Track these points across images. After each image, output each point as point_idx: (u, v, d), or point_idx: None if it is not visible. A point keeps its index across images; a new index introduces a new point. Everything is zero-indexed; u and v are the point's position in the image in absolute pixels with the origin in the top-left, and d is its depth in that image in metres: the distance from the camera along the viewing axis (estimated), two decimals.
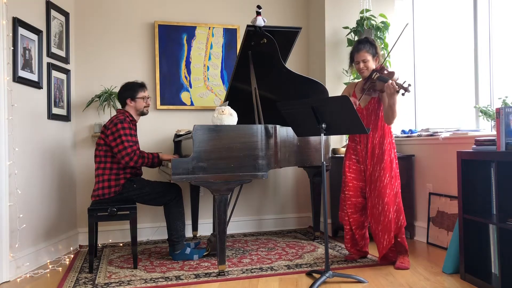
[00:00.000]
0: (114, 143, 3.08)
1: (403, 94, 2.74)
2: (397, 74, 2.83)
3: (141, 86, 3.32)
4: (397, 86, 2.74)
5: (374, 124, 2.98)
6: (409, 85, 2.71)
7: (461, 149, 3.04)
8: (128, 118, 3.21)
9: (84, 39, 3.96)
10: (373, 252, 3.22)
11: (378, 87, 2.88)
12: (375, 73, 2.90)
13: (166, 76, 4.12)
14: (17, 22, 3.00)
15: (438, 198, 3.49)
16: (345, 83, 3.97)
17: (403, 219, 2.93)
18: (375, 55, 2.98)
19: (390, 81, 2.76)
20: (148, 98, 3.35)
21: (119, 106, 3.84)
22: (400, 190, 2.97)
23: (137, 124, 3.36)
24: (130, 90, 3.28)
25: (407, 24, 2.97)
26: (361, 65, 2.97)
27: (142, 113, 3.36)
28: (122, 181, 3.13)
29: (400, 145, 3.97)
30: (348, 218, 3.04)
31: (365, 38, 3.06)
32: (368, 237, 3.15)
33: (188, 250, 3.23)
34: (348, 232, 3.08)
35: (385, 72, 2.88)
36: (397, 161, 2.98)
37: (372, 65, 2.97)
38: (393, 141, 3.01)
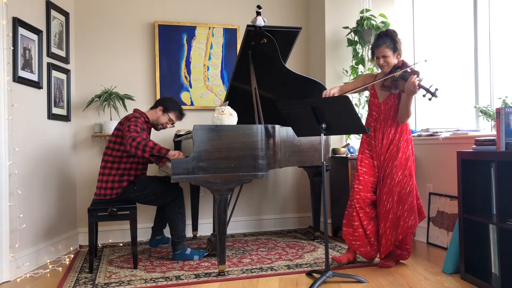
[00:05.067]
0: (122, 133, 3.10)
1: (429, 99, 2.63)
2: (421, 75, 2.70)
3: (180, 112, 3.39)
4: (423, 90, 2.64)
5: (393, 120, 2.90)
6: (436, 89, 2.59)
7: (461, 149, 3.04)
8: (143, 118, 3.22)
9: (84, 39, 3.96)
10: None
11: (401, 86, 2.78)
12: (398, 70, 2.79)
13: (166, 76, 4.12)
14: (17, 22, 3.00)
15: (438, 198, 3.49)
16: (345, 83, 3.96)
17: (414, 219, 2.83)
18: (395, 50, 2.84)
19: (413, 79, 2.65)
20: (173, 124, 3.40)
21: (119, 106, 3.86)
22: (414, 189, 2.87)
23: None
24: (172, 105, 3.34)
25: (425, 60, 2.92)
26: (381, 60, 2.86)
27: (155, 127, 3.39)
28: (125, 183, 3.13)
29: None
30: (357, 213, 2.88)
31: (386, 31, 2.89)
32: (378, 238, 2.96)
33: (188, 250, 3.23)
34: (358, 227, 2.88)
35: (408, 70, 2.76)
36: (414, 157, 2.91)
37: (393, 60, 2.85)
38: (411, 137, 2.92)
